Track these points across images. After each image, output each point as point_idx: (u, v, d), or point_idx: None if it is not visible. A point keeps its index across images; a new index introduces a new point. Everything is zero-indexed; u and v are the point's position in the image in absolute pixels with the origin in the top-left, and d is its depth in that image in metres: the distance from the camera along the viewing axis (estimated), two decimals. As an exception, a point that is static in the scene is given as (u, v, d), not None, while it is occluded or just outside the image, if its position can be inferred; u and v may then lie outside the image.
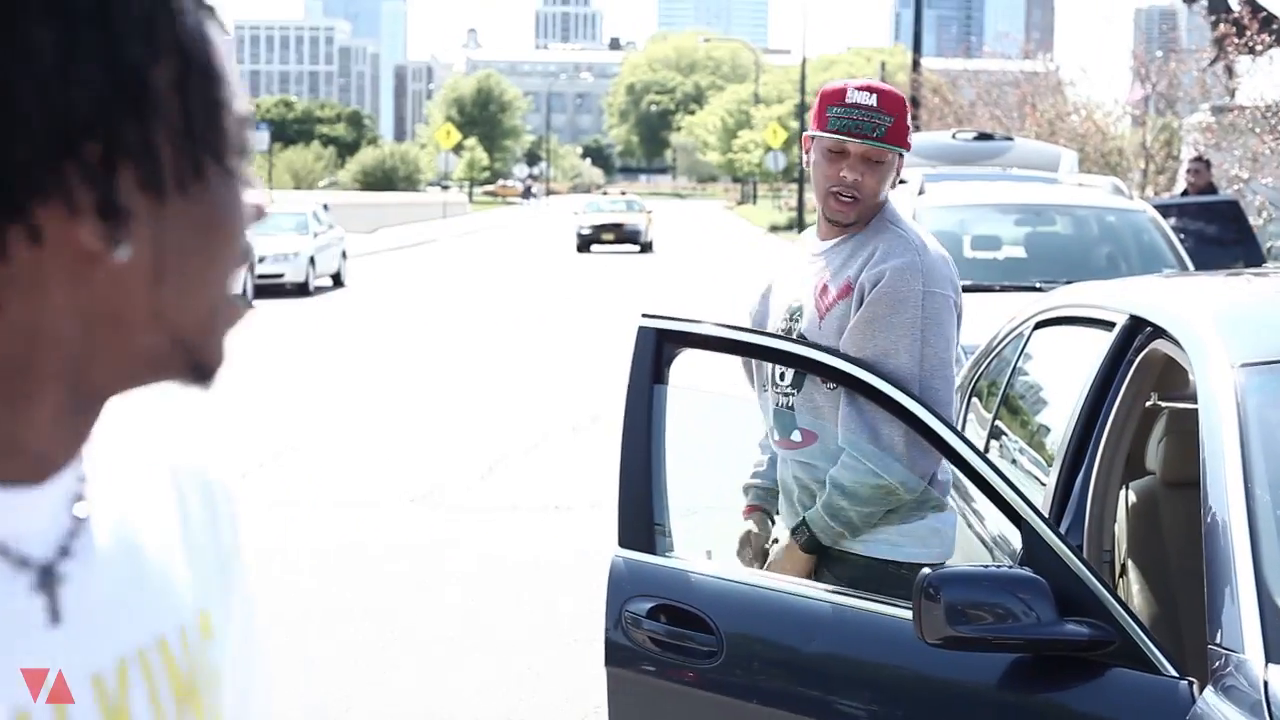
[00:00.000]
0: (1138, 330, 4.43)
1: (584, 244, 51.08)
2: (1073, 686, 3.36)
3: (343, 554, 9.63)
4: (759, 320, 4.41)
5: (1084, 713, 3.37)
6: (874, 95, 4.13)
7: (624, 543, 3.85)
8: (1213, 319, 4.16)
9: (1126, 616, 3.31)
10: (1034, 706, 3.43)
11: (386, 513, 10.78)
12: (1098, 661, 3.31)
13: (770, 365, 4.20)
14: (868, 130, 4.11)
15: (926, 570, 3.32)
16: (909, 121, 4.21)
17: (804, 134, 4.28)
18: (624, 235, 51.38)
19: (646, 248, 51.89)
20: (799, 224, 65.92)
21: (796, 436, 4.19)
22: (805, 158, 4.26)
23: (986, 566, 3.54)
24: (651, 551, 3.83)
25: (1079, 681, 3.35)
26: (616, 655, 3.81)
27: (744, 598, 3.79)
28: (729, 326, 4.10)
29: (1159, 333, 4.27)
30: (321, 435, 14.15)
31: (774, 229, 67.52)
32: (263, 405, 15.98)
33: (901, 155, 4.20)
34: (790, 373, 4.15)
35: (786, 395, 4.19)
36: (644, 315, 3.94)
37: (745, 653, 3.71)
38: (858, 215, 4.17)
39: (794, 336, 4.14)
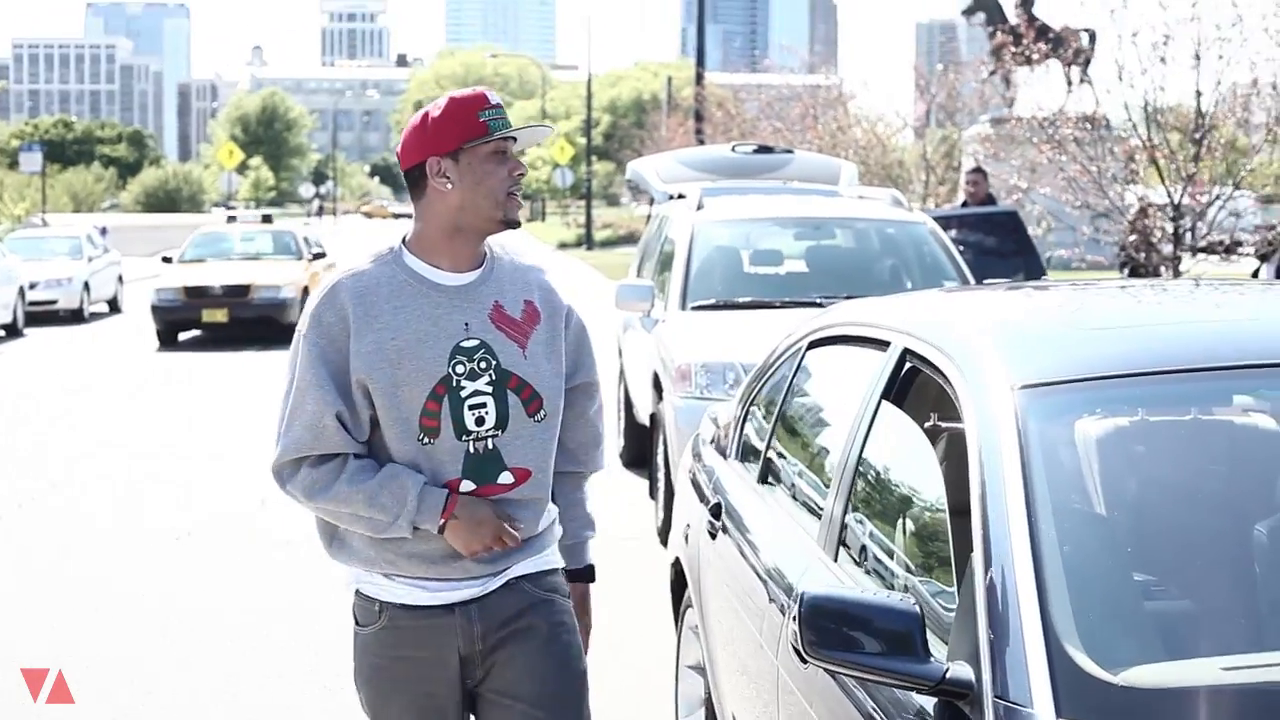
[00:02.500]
0: (912, 352, 4.19)
1: (169, 329, 25.79)
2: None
3: (91, 591, 9.16)
4: (397, 381, 3.94)
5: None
6: (497, 97, 4.11)
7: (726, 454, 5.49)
8: (989, 338, 3.93)
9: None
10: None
11: (149, 548, 10.30)
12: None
13: (451, 417, 3.95)
14: (507, 126, 4.07)
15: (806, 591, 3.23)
16: None
17: (432, 158, 3.99)
18: (250, 309, 25.58)
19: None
20: (588, 240, 65.86)
21: (506, 478, 4.01)
22: (440, 182, 3.98)
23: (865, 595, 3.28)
24: (724, 457, 5.68)
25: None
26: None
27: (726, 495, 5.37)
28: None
29: (933, 353, 4.03)
30: (87, 471, 13.57)
31: (563, 246, 67.33)
32: (27, 439, 15.37)
33: None
34: (491, 414, 3.97)
35: (487, 438, 3.98)
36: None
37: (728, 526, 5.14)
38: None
39: (490, 373, 3.98)
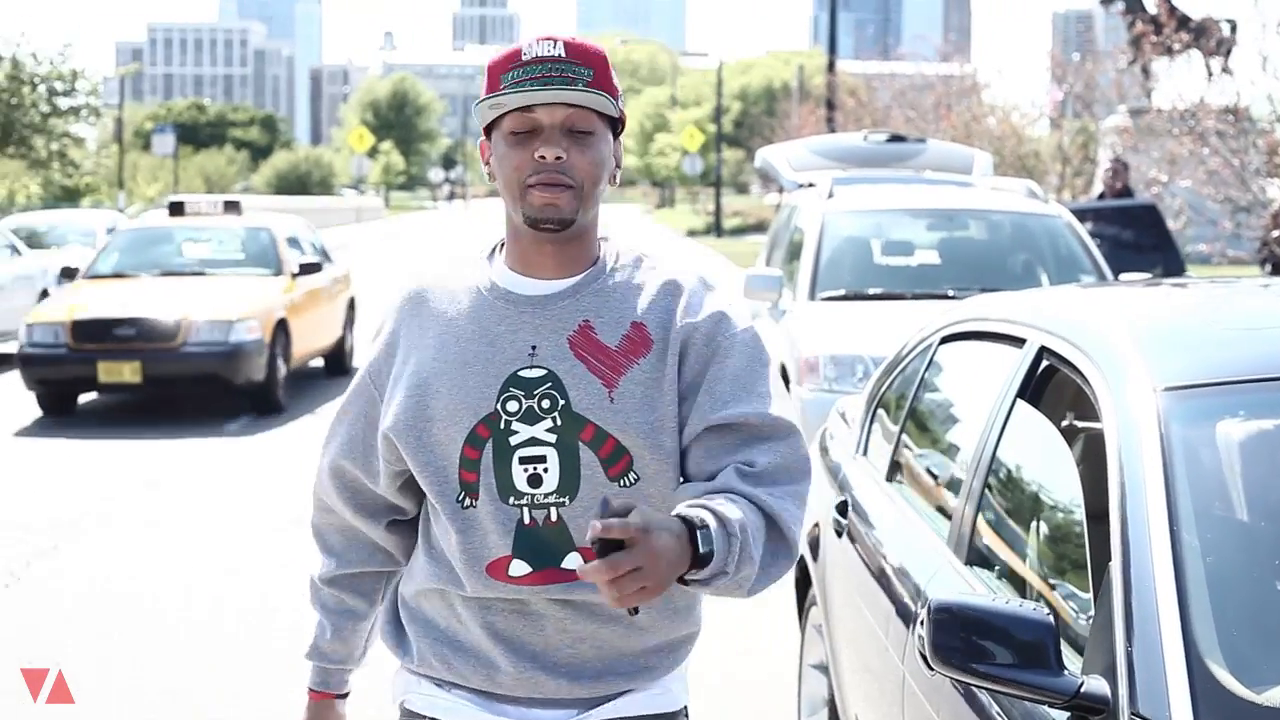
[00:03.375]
0: (1049, 350, 4.06)
1: (50, 392, 15.59)
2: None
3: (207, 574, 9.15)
4: (430, 416, 2.95)
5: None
6: (558, 44, 2.95)
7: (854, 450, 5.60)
8: (1130, 338, 3.79)
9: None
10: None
11: (269, 536, 10.37)
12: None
13: (495, 470, 2.92)
14: (562, 88, 2.91)
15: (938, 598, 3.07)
16: (615, 79, 3.03)
17: (481, 141, 3.07)
18: (178, 362, 15.22)
19: (268, 403, 15.87)
20: (717, 228, 65.74)
21: (575, 561, 2.87)
22: (486, 169, 3.07)
23: (999, 603, 3.14)
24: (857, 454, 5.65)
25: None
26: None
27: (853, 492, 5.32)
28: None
29: (1071, 351, 3.90)
30: (216, 451, 13.64)
31: (692, 233, 67.26)
32: (159, 417, 15.45)
33: (618, 127, 3.03)
34: (551, 472, 2.90)
35: (549, 505, 2.92)
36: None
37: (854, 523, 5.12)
38: (575, 210, 2.92)
39: (554, 416, 2.91)
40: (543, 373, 2.91)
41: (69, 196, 44.02)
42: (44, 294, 21.09)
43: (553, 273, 2.97)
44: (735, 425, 2.92)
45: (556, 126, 2.90)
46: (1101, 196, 16.90)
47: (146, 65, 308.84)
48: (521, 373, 2.91)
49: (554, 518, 2.90)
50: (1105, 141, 26.16)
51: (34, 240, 24.74)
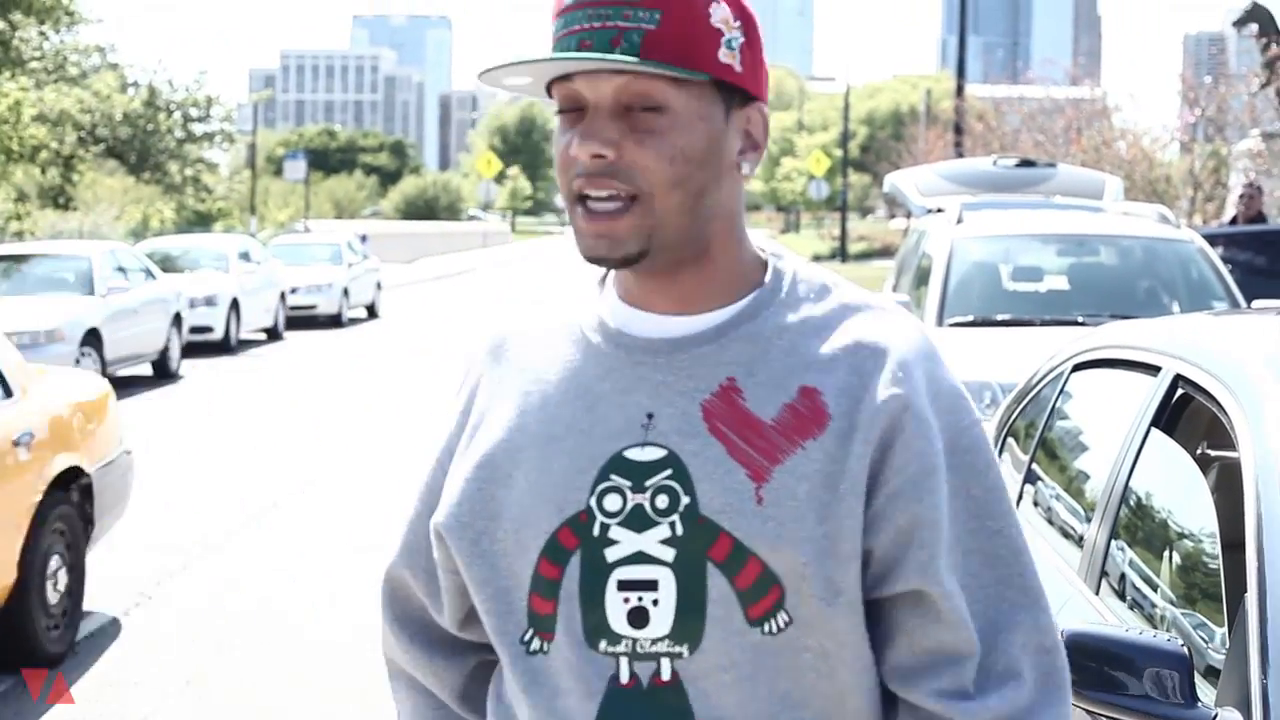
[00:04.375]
0: (1184, 378, 4.02)
1: None
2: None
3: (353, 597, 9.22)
4: (493, 513, 1.98)
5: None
6: None
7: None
8: (1267, 365, 3.74)
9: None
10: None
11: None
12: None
13: (580, 599, 1.92)
14: (603, 43, 1.88)
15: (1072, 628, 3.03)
16: (719, 20, 1.90)
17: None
18: None
19: None
20: (842, 253, 65.53)
21: None
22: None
23: (1133, 632, 3.12)
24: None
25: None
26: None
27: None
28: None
29: (1207, 379, 3.86)
30: (341, 473, 13.76)
31: (817, 258, 67.09)
32: (284, 440, 15.64)
33: (736, 95, 1.95)
34: (665, 606, 1.90)
35: (655, 655, 1.91)
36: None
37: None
38: (645, 239, 1.91)
39: (674, 521, 1.90)
40: (660, 454, 1.92)
41: (202, 221, 44.62)
42: (177, 317, 21.45)
43: (676, 306, 1.99)
44: (925, 594, 1.94)
45: (604, 107, 1.90)
46: (1234, 222, 16.72)
47: (279, 92, 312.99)
48: (629, 453, 1.93)
49: (666, 675, 1.90)
50: (1238, 166, 25.86)
51: (168, 264, 25.12)
